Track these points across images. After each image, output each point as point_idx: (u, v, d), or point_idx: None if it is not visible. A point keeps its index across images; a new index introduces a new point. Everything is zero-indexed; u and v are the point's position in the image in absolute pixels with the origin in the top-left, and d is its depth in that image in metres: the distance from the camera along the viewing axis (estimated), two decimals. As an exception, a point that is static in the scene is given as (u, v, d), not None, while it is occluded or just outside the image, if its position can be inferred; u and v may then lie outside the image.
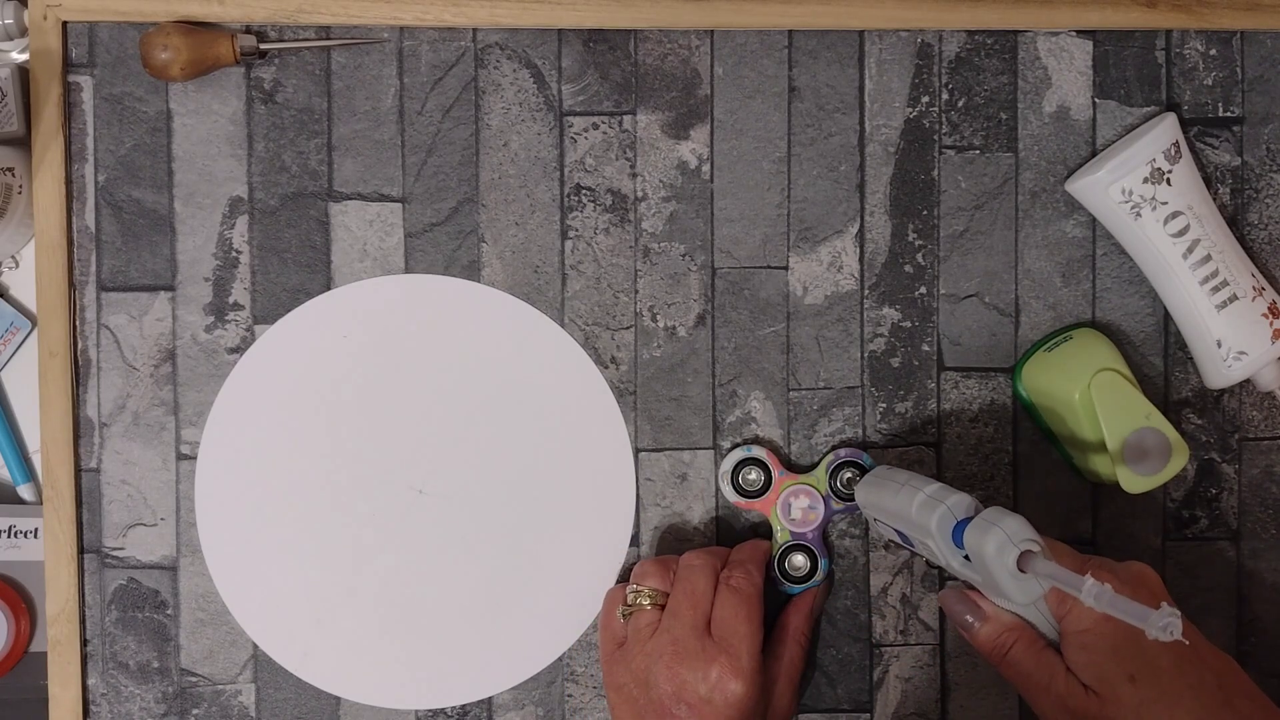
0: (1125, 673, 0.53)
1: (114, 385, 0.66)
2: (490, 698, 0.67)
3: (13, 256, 0.67)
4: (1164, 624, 0.43)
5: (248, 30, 0.65)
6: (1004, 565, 0.50)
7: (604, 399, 0.67)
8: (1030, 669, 0.55)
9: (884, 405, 0.67)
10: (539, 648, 0.67)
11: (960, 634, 0.58)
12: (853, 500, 0.65)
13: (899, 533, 0.59)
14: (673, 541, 0.67)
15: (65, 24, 0.64)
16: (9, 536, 0.66)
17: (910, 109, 0.67)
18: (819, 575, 0.66)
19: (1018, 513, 0.52)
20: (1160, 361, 0.68)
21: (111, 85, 0.65)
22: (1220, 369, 0.65)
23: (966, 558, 0.53)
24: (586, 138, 0.66)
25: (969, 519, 0.53)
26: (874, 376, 0.67)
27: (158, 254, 0.66)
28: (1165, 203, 0.63)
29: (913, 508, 0.55)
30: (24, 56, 0.66)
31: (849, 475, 0.65)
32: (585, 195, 0.66)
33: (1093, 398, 0.62)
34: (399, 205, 0.66)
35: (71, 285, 0.65)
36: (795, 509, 0.66)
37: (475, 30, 0.66)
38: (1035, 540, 0.50)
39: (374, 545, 0.66)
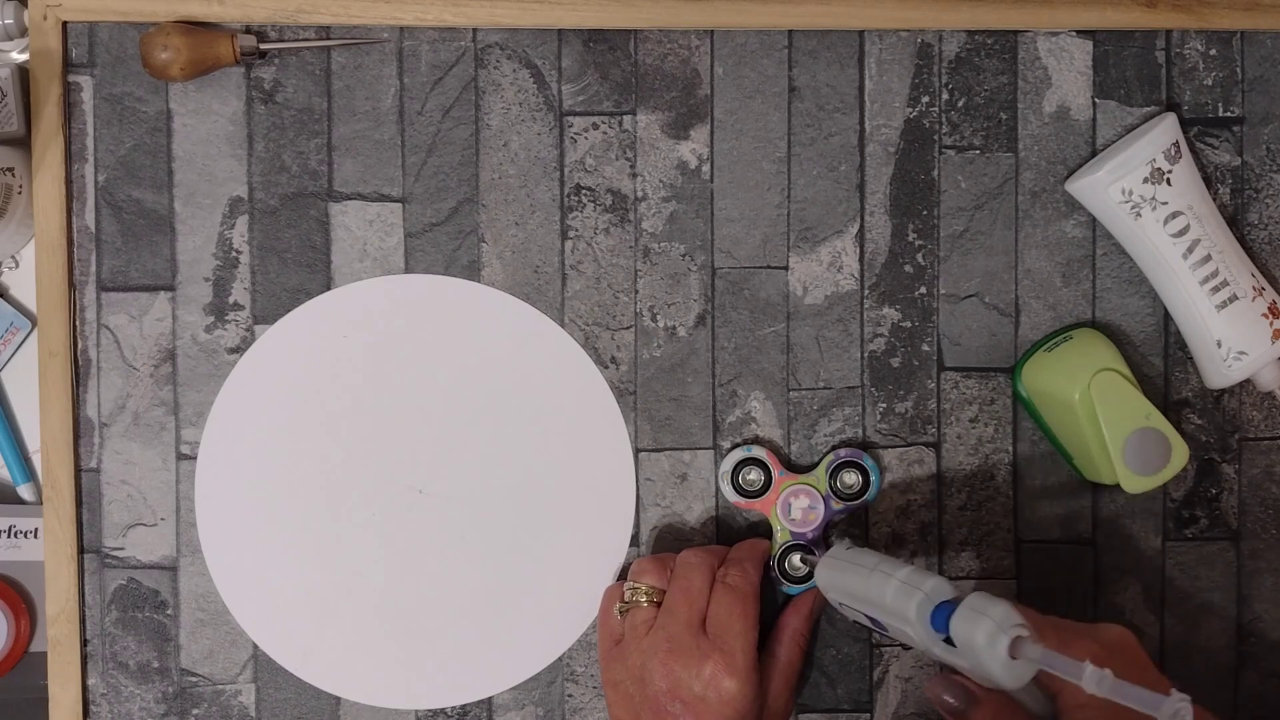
0: None
1: (114, 385, 0.66)
2: (490, 698, 0.67)
3: (13, 256, 0.67)
4: (1174, 711, 0.42)
5: (248, 30, 0.65)
6: (996, 654, 0.49)
7: (604, 399, 0.67)
8: None
9: (884, 405, 0.67)
10: (539, 648, 0.67)
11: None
12: (853, 500, 0.65)
13: (868, 616, 0.58)
14: (672, 541, 0.67)
15: (65, 24, 0.64)
16: (9, 536, 0.66)
17: (910, 109, 0.67)
18: (819, 575, 0.66)
19: (1002, 598, 0.51)
20: (1160, 361, 0.67)
21: (111, 85, 0.65)
22: (1220, 369, 0.65)
23: (947, 639, 0.52)
24: (586, 138, 0.66)
25: (947, 602, 0.52)
26: (874, 376, 0.67)
27: (158, 254, 0.66)
28: (1165, 203, 0.63)
29: (887, 595, 0.54)
30: (24, 56, 0.66)
31: (847, 477, 0.65)
32: (585, 195, 0.66)
33: (1093, 398, 0.62)
34: (399, 205, 0.66)
35: (71, 285, 0.65)
36: (795, 509, 0.66)
37: (475, 30, 0.66)
38: (1023, 625, 0.50)
39: (374, 545, 0.66)
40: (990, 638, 0.49)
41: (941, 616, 0.52)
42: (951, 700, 0.57)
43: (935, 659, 0.54)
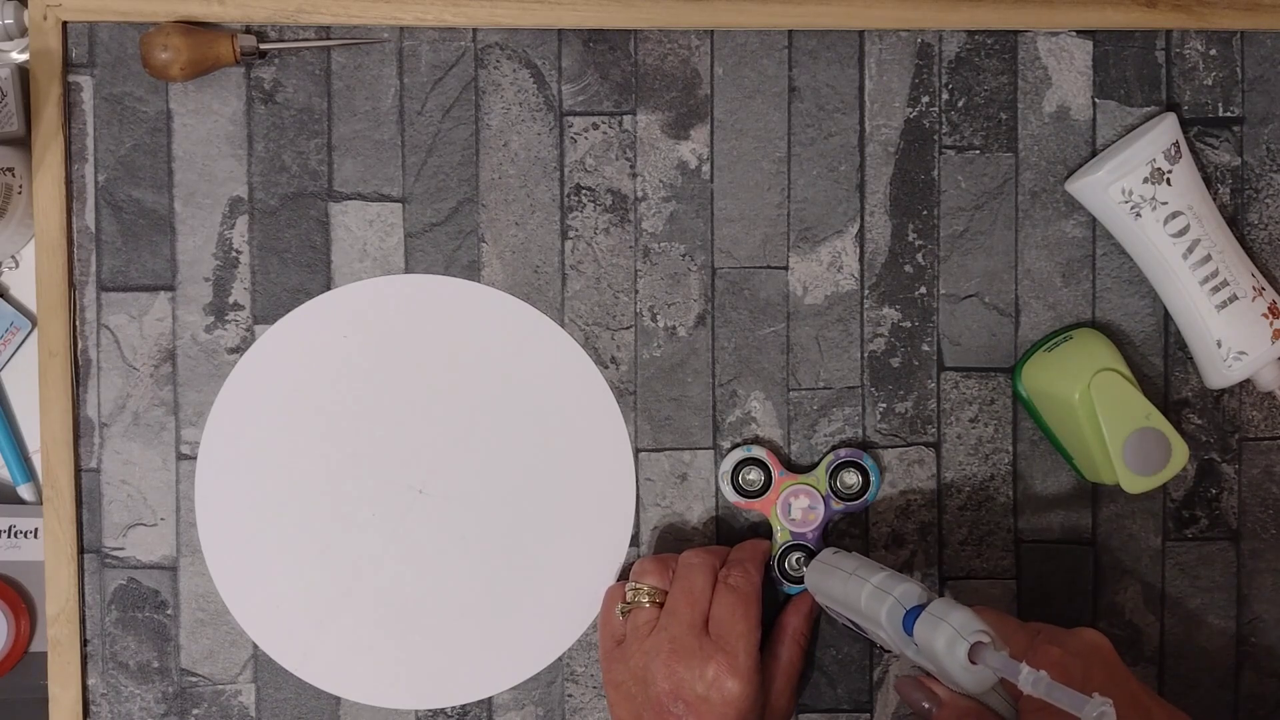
0: None
1: (114, 385, 0.66)
2: (490, 698, 0.67)
3: (13, 256, 0.67)
4: (1096, 714, 0.44)
5: (248, 30, 0.65)
6: (955, 659, 0.50)
7: (604, 399, 0.67)
8: None
9: (884, 405, 0.67)
10: (539, 648, 0.67)
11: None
12: (853, 500, 0.65)
13: (851, 621, 0.59)
14: (672, 541, 0.67)
15: (65, 24, 0.64)
16: (9, 536, 0.66)
17: (910, 109, 0.67)
18: (819, 575, 0.66)
19: (965, 605, 0.52)
20: (1160, 361, 0.68)
21: (111, 85, 0.65)
22: (1220, 369, 0.65)
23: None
24: (586, 138, 0.66)
25: (919, 606, 0.53)
26: (874, 376, 0.67)
27: (158, 254, 0.66)
28: (1165, 203, 0.63)
29: (861, 599, 0.55)
30: (24, 56, 0.66)
31: (847, 477, 0.65)
32: (585, 195, 0.66)
33: (1093, 398, 0.62)
34: (399, 205, 0.66)
35: (71, 285, 0.65)
36: (795, 509, 0.66)
37: (475, 30, 0.66)
38: (984, 630, 0.51)
39: (374, 545, 0.66)
40: (949, 643, 0.50)
41: (912, 621, 0.53)
42: (918, 699, 0.59)
43: (911, 661, 0.55)
